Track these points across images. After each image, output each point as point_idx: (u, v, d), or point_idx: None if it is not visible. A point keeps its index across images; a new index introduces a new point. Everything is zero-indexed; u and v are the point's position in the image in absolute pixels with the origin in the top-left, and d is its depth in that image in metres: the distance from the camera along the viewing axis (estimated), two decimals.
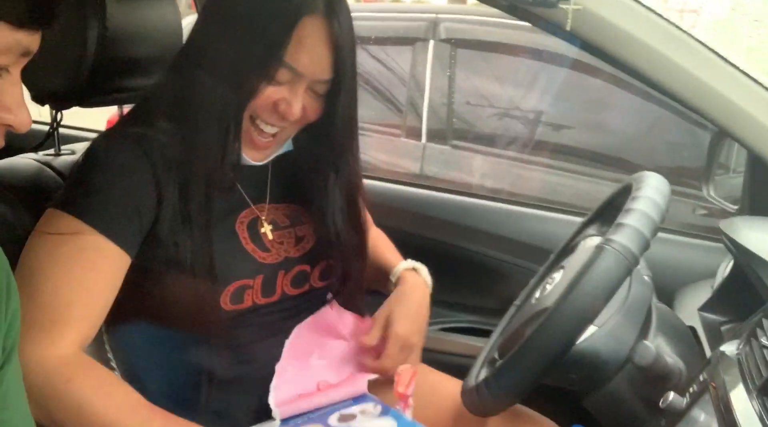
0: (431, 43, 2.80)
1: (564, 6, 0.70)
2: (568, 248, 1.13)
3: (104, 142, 0.95)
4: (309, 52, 0.92)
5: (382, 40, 2.95)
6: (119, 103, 1.19)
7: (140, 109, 1.01)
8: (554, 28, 0.99)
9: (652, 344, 0.89)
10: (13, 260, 0.92)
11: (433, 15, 2.85)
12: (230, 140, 0.94)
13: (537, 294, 1.05)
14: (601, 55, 1.08)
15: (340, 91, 0.97)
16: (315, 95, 0.97)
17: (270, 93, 0.93)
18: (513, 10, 1.14)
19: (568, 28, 0.75)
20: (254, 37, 0.91)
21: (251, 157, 0.99)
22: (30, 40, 0.60)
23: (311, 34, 0.92)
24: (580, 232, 1.15)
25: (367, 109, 2.96)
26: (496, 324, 1.17)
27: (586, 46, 1.08)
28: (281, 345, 0.99)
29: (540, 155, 2.78)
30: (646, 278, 1.04)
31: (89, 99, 1.10)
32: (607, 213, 1.08)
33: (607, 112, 2.77)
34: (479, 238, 1.62)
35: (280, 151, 1.04)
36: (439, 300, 1.40)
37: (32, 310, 0.81)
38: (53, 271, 0.85)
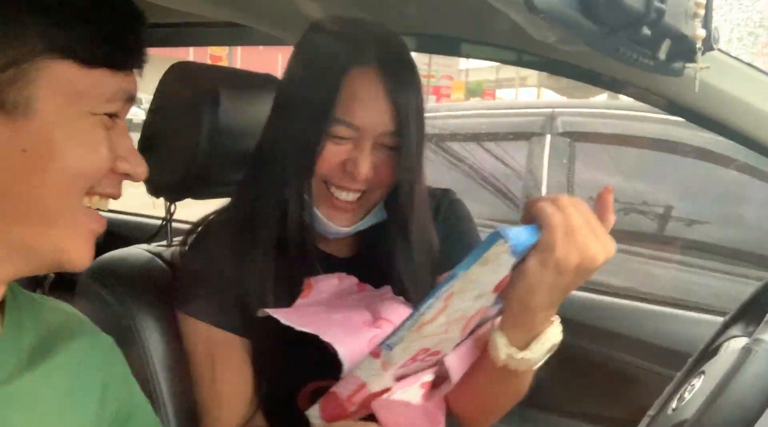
0: (548, 137, 2.75)
1: (692, 66, 0.63)
2: (709, 351, 1.00)
3: (199, 233, 0.99)
4: (363, 104, 0.89)
5: (498, 136, 2.94)
6: (230, 195, 1.21)
7: (234, 197, 1.04)
8: (674, 107, 0.91)
9: None
10: (119, 346, 0.93)
11: (550, 110, 2.82)
12: (303, 206, 0.92)
13: (674, 403, 0.92)
14: (729, 134, 0.99)
15: (404, 146, 0.91)
16: (386, 152, 0.92)
17: (334, 153, 0.90)
18: (630, 91, 1.08)
19: (696, 90, 0.68)
20: (307, 96, 0.90)
21: (335, 221, 0.95)
22: (129, 83, 0.63)
23: (363, 85, 0.89)
24: (722, 332, 1.01)
25: (482, 204, 2.92)
26: None
27: (712, 124, 1.00)
28: None
29: (671, 251, 2.59)
30: None
31: (202, 191, 1.12)
32: (753, 311, 0.95)
33: (742, 205, 2.57)
34: (606, 339, 1.49)
35: (370, 221, 0.99)
36: (561, 409, 1.28)
37: (200, 402, 0.93)
38: (200, 369, 0.93)
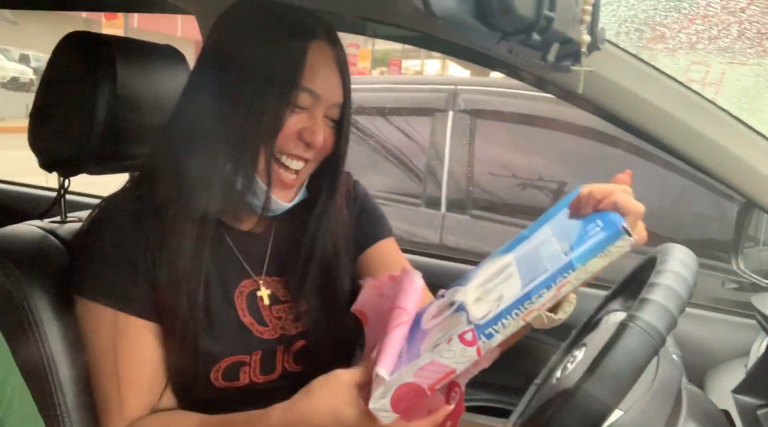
0: (450, 113, 2.81)
1: (576, 69, 0.68)
2: (591, 324, 1.07)
3: (102, 213, 0.94)
4: (322, 74, 0.94)
5: (403, 111, 2.97)
6: (128, 170, 1.17)
7: (143, 173, 1.00)
8: (569, 95, 0.96)
9: None
10: (12, 327, 0.90)
11: (453, 87, 2.87)
12: (251, 181, 0.92)
13: (558, 373, 0.99)
14: (618, 123, 1.06)
15: (344, 120, 0.98)
16: (330, 124, 0.97)
17: (293, 122, 0.93)
18: (528, 79, 1.13)
19: (580, 91, 0.73)
20: (270, 66, 0.91)
21: (280, 197, 0.96)
22: None
23: (320, 58, 0.94)
24: (603, 307, 1.09)
25: (388, 178, 2.96)
26: (516, 403, 1.10)
27: (604, 113, 1.06)
28: None
29: None
30: (675, 357, 0.98)
31: (97, 166, 1.09)
32: (632, 287, 1.02)
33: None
34: None
35: (299, 197, 1.00)
36: None
37: (99, 388, 0.91)
38: (100, 354, 0.90)
